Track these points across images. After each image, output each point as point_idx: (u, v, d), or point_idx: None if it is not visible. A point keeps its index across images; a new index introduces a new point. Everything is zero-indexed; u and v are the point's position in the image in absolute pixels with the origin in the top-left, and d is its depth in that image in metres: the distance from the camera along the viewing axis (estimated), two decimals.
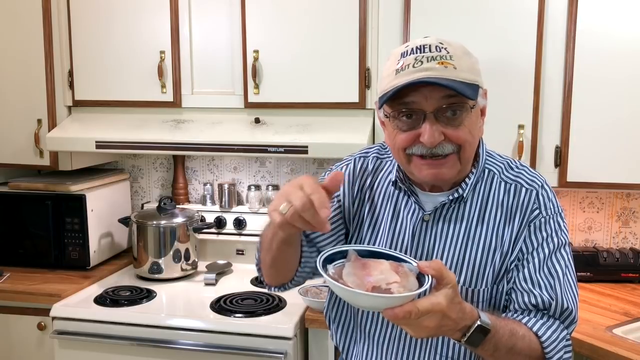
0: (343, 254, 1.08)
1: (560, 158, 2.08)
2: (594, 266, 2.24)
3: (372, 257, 1.07)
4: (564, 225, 1.25)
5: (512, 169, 1.27)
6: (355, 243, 1.34)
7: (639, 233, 2.42)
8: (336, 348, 1.97)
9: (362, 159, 1.37)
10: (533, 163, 2.08)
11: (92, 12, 2.36)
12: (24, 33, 2.40)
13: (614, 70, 2.00)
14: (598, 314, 1.95)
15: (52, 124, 2.42)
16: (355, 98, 2.17)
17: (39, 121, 2.43)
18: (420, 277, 1.02)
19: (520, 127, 2.07)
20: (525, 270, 1.20)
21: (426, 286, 0.97)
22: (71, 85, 2.42)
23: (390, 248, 1.26)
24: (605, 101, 2.03)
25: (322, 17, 2.17)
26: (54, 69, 2.41)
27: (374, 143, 2.18)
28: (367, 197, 1.33)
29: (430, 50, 1.13)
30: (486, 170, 1.26)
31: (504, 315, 1.20)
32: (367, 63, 2.16)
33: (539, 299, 1.17)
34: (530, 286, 1.19)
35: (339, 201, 1.35)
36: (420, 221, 1.25)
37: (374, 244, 1.30)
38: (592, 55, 2.01)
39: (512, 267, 1.21)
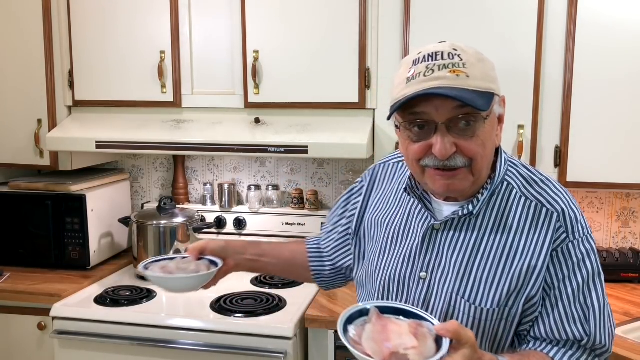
0: (364, 312, 1.09)
1: (560, 158, 2.08)
2: None
3: (394, 313, 1.08)
4: (595, 248, 1.16)
5: (535, 183, 1.18)
6: (370, 246, 1.34)
7: (639, 233, 2.42)
8: (336, 348, 1.97)
9: (383, 165, 1.39)
10: (533, 163, 2.08)
11: (92, 12, 2.36)
12: (24, 33, 2.40)
13: (614, 70, 2.00)
14: None
15: (52, 124, 2.43)
16: (355, 98, 2.17)
17: (39, 121, 2.43)
18: (438, 338, 1.01)
19: (520, 127, 2.07)
20: (559, 302, 1.13)
21: (443, 352, 0.97)
22: (71, 85, 2.43)
23: (400, 254, 1.24)
24: (605, 101, 2.03)
25: (322, 17, 2.17)
26: (54, 69, 2.41)
27: (373, 143, 2.19)
28: (383, 201, 1.34)
29: (442, 58, 1.07)
30: (505, 183, 1.18)
31: (526, 347, 1.16)
32: (367, 63, 2.16)
33: (570, 334, 1.12)
34: (564, 320, 1.12)
35: (350, 215, 1.41)
36: (431, 229, 1.20)
37: (385, 249, 1.28)
38: (592, 56, 2.01)
39: (536, 295, 1.13)
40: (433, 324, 1.03)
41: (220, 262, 1.35)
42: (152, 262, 1.36)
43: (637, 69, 1.99)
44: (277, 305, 2.10)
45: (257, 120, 2.25)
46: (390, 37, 2.13)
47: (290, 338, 1.92)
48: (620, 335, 1.79)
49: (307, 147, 2.12)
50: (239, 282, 2.38)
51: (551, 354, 1.12)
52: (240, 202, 2.72)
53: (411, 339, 0.99)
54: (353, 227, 1.38)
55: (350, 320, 1.06)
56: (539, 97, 2.06)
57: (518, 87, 2.05)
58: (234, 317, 2.02)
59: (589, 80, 2.02)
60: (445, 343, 0.98)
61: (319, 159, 2.64)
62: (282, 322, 1.96)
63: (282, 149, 2.15)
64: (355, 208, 1.38)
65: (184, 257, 1.37)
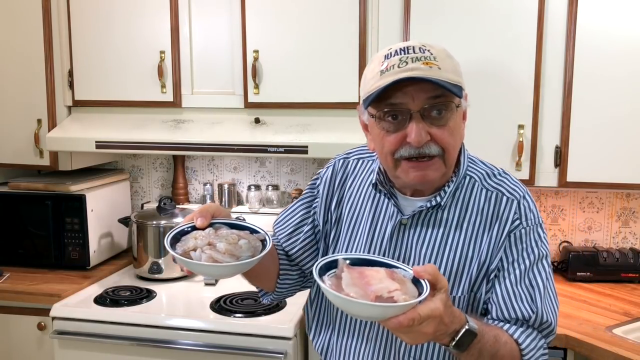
0: (332, 264, 1.07)
1: (560, 158, 2.08)
2: (594, 266, 2.24)
3: (363, 265, 1.06)
4: (544, 237, 1.24)
5: (494, 176, 1.26)
6: (333, 243, 1.35)
7: (639, 233, 2.42)
8: None
9: (342, 160, 1.40)
10: (533, 163, 2.08)
11: (92, 13, 2.36)
12: (24, 33, 2.40)
13: (613, 70, 2.01)
14: (598, 314, 1.95)
15: (52, 124, 2.42)
16: (355, 98, 2.17)
17: (39, 121, 2.43)
18: (414, 283, 1.01)
19: (520, 127, 2.07)
20: (507, 282, 1.19)
21: (427, 292, 0.97)
22: (71, 85, 2.42)
23: (368, 250, 1.27)
24: (605, 101, 2.03)
25: (322, 17, 2.17)
26: (54, 69, 2.41)
27: None
28: (347, 197, 1.35)
29: (414, 52, 1.13)
30: (467, 177, 1.26)
31: (486, 321, 1.20)
32: (367, 63, 2.15)
33: (519, 313, 1.18)
34: (512, 299, 1.19)
35: (313, 213, 1.39)
36: (399, 225, 1.25)
37: (352, 245, 1.31)
38: (592, 55, 2.01)
39: (492, 277, 1.21)
40: (405, 270, 1.04)
41: (262, 231, 1.19)
42: (173, 240, 1.20)
43: (637, 69, 1.99)
44: (277, 305, 2.09)
45: (257, 120, 2.25)
46: (390, 37, 2.13)
47: (290, 338, 1.92)
48: (621, 335, 1.79)
49: (307, 147, 2.12)
50: (239, 282, 2.37)
51: (505, 328, 1.18)
52: (240, 202, 2.72)
53: (392, 282, 0.99)
54: (321, 228, 1.37)
55: (320, 272, 1.04)
56: (539, 97, 2.06)
57: (518, 87, 2.05)
58: (234, 317, 2.02)
59: (589, 79, 2.02)
60: (427, 286, 0.99)
61: (319, 159, 2.64)
62: (282, 322, 1.96)
63: (282, 149, 2.15)
64: (316, 208, 1.38)
65: (196, 227, 1.22)
